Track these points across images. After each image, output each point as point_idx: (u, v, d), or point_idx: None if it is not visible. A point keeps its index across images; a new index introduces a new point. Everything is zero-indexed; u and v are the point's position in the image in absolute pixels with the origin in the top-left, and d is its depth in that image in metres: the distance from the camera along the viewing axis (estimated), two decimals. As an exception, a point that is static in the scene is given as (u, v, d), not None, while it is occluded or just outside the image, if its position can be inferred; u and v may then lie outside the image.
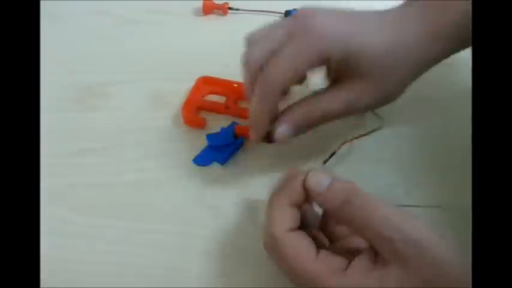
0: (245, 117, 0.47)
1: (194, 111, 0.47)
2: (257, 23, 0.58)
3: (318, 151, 0.45)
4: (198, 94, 0.48)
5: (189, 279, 0.36)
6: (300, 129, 0.39)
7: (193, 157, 0.43)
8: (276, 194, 0.33)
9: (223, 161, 0.43)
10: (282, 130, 0.38)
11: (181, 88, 0.49)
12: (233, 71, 0.50)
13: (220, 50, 0.55)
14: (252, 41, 0.39)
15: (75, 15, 0.58)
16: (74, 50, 0.54)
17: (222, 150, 0.43)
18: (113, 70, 0.52)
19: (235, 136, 0.44)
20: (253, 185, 0.42)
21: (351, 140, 0.42)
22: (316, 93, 0.39)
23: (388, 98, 0.39)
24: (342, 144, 0.42)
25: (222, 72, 0.50)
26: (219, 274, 0.37)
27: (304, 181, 0.33)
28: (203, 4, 0.58)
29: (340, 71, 0.37)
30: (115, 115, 0.47)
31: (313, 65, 0.36)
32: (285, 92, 0.38)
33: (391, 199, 0.41)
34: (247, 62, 0.38)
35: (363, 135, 0.42)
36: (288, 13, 0.58)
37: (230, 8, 0.59)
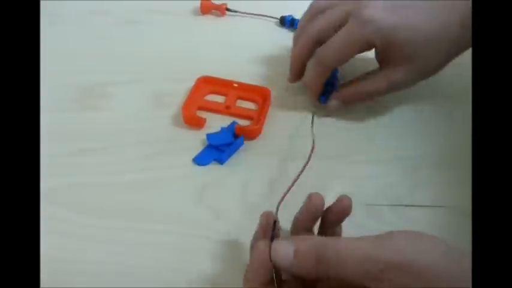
0: (245, 117, 0.47)
1: (194, 111, 0.47)
2: (257, 23, 0.58)
3: (318, 151, 0.45)
4: (198, 94, 0.48)
5: (189, 279, 0.36)
6: (349, 103, 0.46)
7: (193, 157, 0.43)
8: (247, 277, 0.31)
9: (223, 161, 0.43)
10: (334, 104, 0.46)
11: (181, 88, 0.49)
12: (233, 71, 0.50)
13: (220, 50, 0.55)
14: (314, 9, 0.47)
15: (75, 15, 0.58)
16: (74, 50, 0.54)
17: (222, 150, 0.43)
18: (113, 70, 0.52)
19: (235, 136, 0.44)
20: (253, 185, 0.42)
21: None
22: (365, 75, 0.45)
23: (426, 76, 0.44)
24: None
25: (222, 72, 0.50)
26: (219, 274, 0.37)
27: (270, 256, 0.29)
28: (201, 4, 0.58)
29: (386, 55, 0.43)
30: (115, 115, 0.47)
31: (361, 51, 0.43)
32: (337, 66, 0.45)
33: (394, 199, 0.41)
34: (305, 31, 0.45)
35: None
36: (282, 19, 0.58)
37: (228, 9, 0.59)
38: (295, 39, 0.48)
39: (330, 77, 0.45)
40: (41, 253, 0.31)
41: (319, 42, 0.44)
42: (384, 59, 0.44)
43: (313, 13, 0.46)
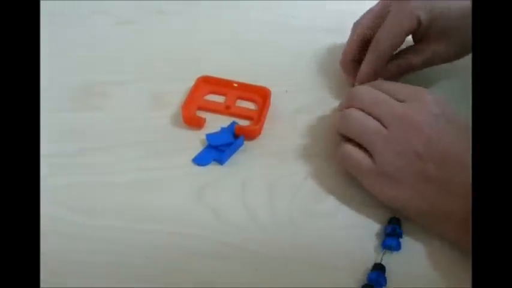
0: (245, 117, 0.47)
1: (194, 111, 0.47)
2: (257, 23, 0.58)
3: (318, 151, 0.45)
4: (197, 94, 0.48)
5: (189, 279, 0.36)
6: (371, 65, 0.47)
7: (193, 157, 0.43)
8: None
9: (223, 161, 0.43)
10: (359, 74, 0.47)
11: (181, 88, 0.49)
12: (233, 71, 0.50)
13: (220, 50, 0.55)
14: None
15: (75, 15, 0.58)
16: (73, 49, 0.54)
17: (222, 150, 0.43)
18: (113, 70, 0.52)
19: (235, 136, 0.44)
20: (253, 185, 0.42)
21: None
22: (408, 48, 0.48)
23: (464, 52, 0.47)
24: None
25: (222, 72, 0.50)
26: (219, 274, 0.37)
27: None
28: None
29: (427, 31, 0.45)
30: (115, 115, 0.47)
31: (410, 30, 0.45)
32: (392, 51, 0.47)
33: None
34: (357, 24, 0.48)
35: None
36: None
37: None
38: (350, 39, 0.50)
39: None
40: (41, 253, 0.31)
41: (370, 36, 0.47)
42: (425, 35, 0.46)
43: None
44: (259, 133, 0.46)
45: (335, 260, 0.37)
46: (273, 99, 0.48)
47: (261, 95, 0.49)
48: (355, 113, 0.40)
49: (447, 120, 0.37)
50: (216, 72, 0.50)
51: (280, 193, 0.42)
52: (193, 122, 0.46)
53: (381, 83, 0.42)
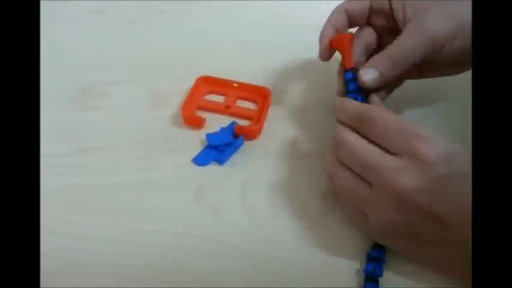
0: (245, 117, 0.47)
1: (194, 110, 0.47)
2: (257, 23, 0.58)
3: (318, 151, 0.45)
4: (197, 94, 0.48)
5: (189, 279, 0.36)
6: (386, 72, 0.40)
7: (193, 157, 0.43)
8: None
9: (223, 161, 0.43)
10: (367, 74, 0.40)
11: (181, 88, 0.49)
12: (233, 71, 0.50)
13: (220, 50, 0.55)
14: None
15: (75, 15, 0.58)
16: (74, 50, 0.54)
17: (222, 150, 0.43)
18: (113, 70, 0.52)
19: (235, 136, 0.44)
20: (253, 185, 0.42)
21: None
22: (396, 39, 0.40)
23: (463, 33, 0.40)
24: None
25: (221, 72, 0.50)
26: (218, 274, 0.37)
27: None
28: None
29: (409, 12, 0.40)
30: (115, 115, 0.47)
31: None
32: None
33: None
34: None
35: None
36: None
37: None
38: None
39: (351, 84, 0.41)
40: (41, 253, 0.31)
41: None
42: (412, 16, 0.40)
43: None
44: (259, 133, 0.46)
45: (335, 260, 0.37)
46: (273, 99, 0.48)
47: (261, 95, 0.49)
48: (342, 174, 0.35)
49: (451, 175, 0.32)
50: (216, 72, 0.50)
51: (280, 193, 0.42)
52: (193, 122, 0.46)
53: (372, 121, 0.35)
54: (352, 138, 0.35)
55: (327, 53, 0.43)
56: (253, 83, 0.49)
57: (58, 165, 0.43)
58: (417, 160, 0.32)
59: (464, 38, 0.39)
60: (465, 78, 0.41)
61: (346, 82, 0.41)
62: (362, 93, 0.40)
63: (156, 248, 0.38)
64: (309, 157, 0.44)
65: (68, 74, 0.51)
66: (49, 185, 0.40)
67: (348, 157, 0.35)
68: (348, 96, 0.40)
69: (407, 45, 0.39)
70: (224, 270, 0.37)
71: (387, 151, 0.33)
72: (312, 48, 0.48)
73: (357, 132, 0.35)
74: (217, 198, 0.41)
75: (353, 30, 0.44)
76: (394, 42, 0.40)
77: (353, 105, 0.37)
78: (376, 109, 0.36)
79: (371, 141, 0.34)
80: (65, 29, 0.56)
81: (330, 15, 0.43)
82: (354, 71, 0.41)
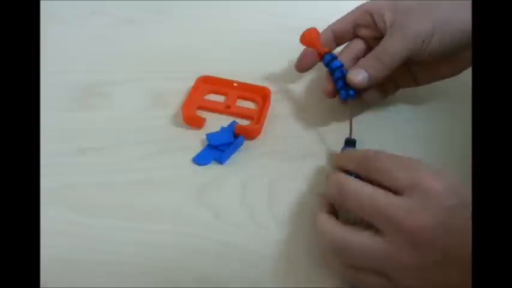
0: (245, 117, 0.47)
1: (194, 110, 0.47)
2: (258, 23, 0.58)
3: (318, 151, 0.45)
4: (198, 93, 0.48)
5: (189, 279, 0.36)
6: (375, 73, 0.42)
7: (193, 157, 0.43)
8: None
9: (223, 161, 0.43)
10: (357, 75, 0.42)
11: (181, 87, 0.49)
12: (233, 71, 0.50)
13: (220, 50, 0.55)
14: None
15: (75, 15, 0.58)
16: (74, 50, 0.54)
17: (222, 150, 0.43)
18: (113, 70, 0.52)
19: (235, 135, 0.44)
20: (253, 185, 0.42)
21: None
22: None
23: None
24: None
25: (222, 72, 0.50)
26: (219, 274, 0.37)
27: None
28: None
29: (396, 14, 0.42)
30: (115, 115, 0.47)
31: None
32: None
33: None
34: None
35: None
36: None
37: None
38: None
39: (337, 72, 0.43)
40: (41, 253, 0.31)
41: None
42: (392, 23, 0.42)
43: None
44: (259, 133, 0.46)
45: (335, 260, 0.37)
46: (273, 99, 0.48)
47: (261, 95, 0.49)
48: (354, 237, 0.33)
49: (460, 207, 0.31)
50: (216, 72, 0.50)
51: (280, 193, 0.42)
52: (193, 122, 0.46)
53: (376, 159, 0.35)
54: (357, 185, 0.34)
55: (301, 62, 0.47)
56: (253, 83, 0.49)
57: (58, 165, 0.43)
58: (427, 197, 0.31)
59: (442, 35, 0.41)
60: (465, 78, 0.41)
61: (328, 65, 0.44)
62: (344, 72, 0.43)
63: (156, 248, 0.38)
64: (309, 157, 0.44)
65: (68, 74, 0.51)
66: (49, 185, 0.40)
67: (354, 206, 0.34)
68: (336, 80, 0.43)
69: (390, 44, 0.41)
70: (224, 270, 0.37)
71: (394, 192, 0.32)
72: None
73: (358, 177, 0.35)
74: (217, 198, 0.41)
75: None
76: (379, 44, 0.42)
77: (354, 151, 0.40)
78: (377, 150, 0.36)
79: (375, 185, 0.33)
80: (65, 29, 0.56)
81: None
82: (330, 53, 0.44)
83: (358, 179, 0.35)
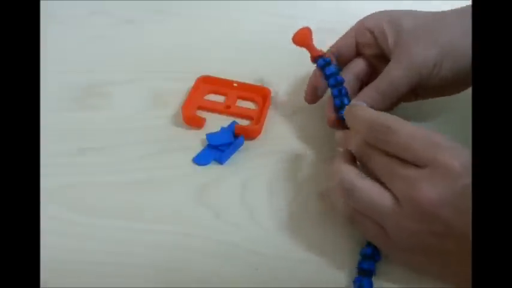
0: (245, 117, 0.47)
1: (194, 110, 0.47)
2: (258, 23, 0.58)
3: (318, 151, 0.45)
4: (198, 93, 0.48)
5: (189, 279, 0.36)
6: (375, 103, 0.40)
7: (193, 157, 0.43)
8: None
9: (223, 161, 0.43)
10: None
11: (181, 87, 0.49)
12: (233, 71, 0.50)
13: (220, 50, 0.55)
14: None
15: (75, 15, 0.58)
16: (74, 50, 0.54)
17: (222, 150, 0.43)
18: (113, 70, 0.52)
19: (235, 135, 0.44)
20: (253, 185, 0.42)
21: None
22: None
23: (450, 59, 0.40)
24: None
25: (222, 72, 0.50)
26: (219, 274, 0.37)
27: None
28: None
29: (397, 39, 0.41)
30: (115, 115, 0.47)
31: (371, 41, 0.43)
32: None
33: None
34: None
35: None
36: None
37: None
38: None
39: (340, 93, 0.42)
40: (41, 253, 0.31)
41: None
42: (397, 44, 0.41)
43: None
44: (259, 133, 0.46)
45: (335, 260, 0.37)
46: (273, 99, 0.48)
47: (261, 95, 0.49)
48: (363, 184, 0.34)
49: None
50: (216, 72, 0.50)
51: (280, 193, 0.42)
52: (193, 122, 0.46)
53: (393, 131, 0.33)
54: (373, 149, 0.34)
55: (311, 96, 0.45)
56: (253, 83, 0.49)
57: (58, 165, 0.43)
58: (441, 170, 0.31)
59: (453, 60, 0.39)
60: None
61: (322, 71, 0.42)
62: (339, 79, 0.42)
63: (156, 248, 0.38)
64: (309, 157, 0.44)
65: (68, 74, 0.51)
66: (49, 185, 0.40)
67: (370, 166, 0.35)
68: (331, 87, 0.42)
69: (393, 77, 0.40)
70: (224, 270, 0.37)
71: (410, 163, 0.32)
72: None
73: (374, 146, 0.34)
74: (217, 198, 0.41)
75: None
76: (382, 74, 0.41)
77: (367, 113, 0.36)
78: (393, 117, 0.34)
79: (390, 155, 0.33)
80: (65, 29, 0.56)
81: (309, 81, 0.45)
82: (324, 57, 0.43)
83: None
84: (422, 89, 0.42)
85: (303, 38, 0.43)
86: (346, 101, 0.41)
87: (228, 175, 0.43)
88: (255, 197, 0.41)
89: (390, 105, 0.42)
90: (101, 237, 0.38)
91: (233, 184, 0.42)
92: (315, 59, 0.43)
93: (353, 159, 0.37)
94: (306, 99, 0.45)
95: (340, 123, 0.41)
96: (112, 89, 0.50)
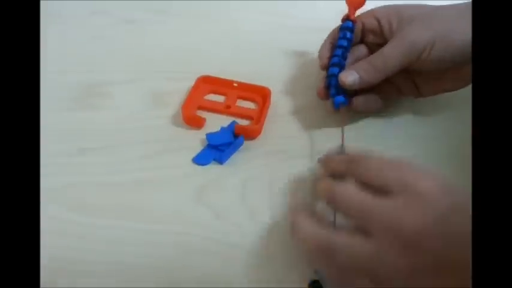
0: (245, 117, 0.47)
1: (194, 110, 0.47)
2: (258, 23, 0.58)
3: (318, 151, 0.45)
4: (198, 93, 0.48)
5: (189, 279, 0.36)
6: (367, 76, 0.42)
7: (193, 157, 0.43)
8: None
9: (223, 161, 0.43)
10: (348, 76, 0.42)
11: (181, 87, 0.49)
12: (233, 71, 0.50)
13: (220, 50, 0.55)
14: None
15: (75, 15, 0.58)
16: (74, 50, 0.54)
17: (222, 150, 0.43)
18: (113, 70, 0.52)
19: (235, 135, 0.44)
20: (253, 185, 0.42)
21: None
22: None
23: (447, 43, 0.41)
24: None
25: (222, 72, 0.50)
26: (219, 274, 0.37)
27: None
28: None
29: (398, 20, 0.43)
30: (115, 115, 0.47)
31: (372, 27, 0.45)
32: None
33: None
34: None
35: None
36: None
37: None
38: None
39: (332, 79, 0.44)
40: (41, 253, 0.31)
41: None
42: (396, 31, 0.43)
43: None
44: (259, 133, 0.46)
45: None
46: (273, 99, 0.48)
47: (261, 95, 0.49)
48: (341, 239, 0.31)
49: (453, 207, 0.30)
50: (216, 72, 0.50)
51: (280, 193, 0.42)
52: (193, 122, 0.46)
53: (365, 161, 0.33)
54: (345, 188, 0.32)
55: (325, 90, 0.45)
56: (253, 83, 0.49)
57: (58, 165, 0.43)
58: (417, 196, 0.30)
59: (444, 45, 0.41)
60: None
61: (342, 30, 0.45)
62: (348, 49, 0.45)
63: (156, 248, 0.38)
64: (309, 157, 0.44)
65: (68, 74, 0.51)
66: (49, 185, 0.40)
67: (343, 208, 0.32)
68: (329, 87, 0.44)
69: (386, 50, 0.42)
70: (224, 270, 0.37)
71: (383, 193, 0.31)
72: (312, 48, 0.49)
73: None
74: (217, 198, 0.41)
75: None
76: (378, 51, 0.43)
77: (342, 155, 0.37)
78: (365, 152, 0.35)
79: (364, 187, 0.32)
80: (65, 29, 0.56)
81: (329, 34, 0.47)
82: (353, 23, 0.45)
83: (345, 183, 0.33)
84: (417, 76, 0.45)
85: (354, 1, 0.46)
86: (342, 98, 0.43)
87: (228, 175, 0.43)
88: (255, 197, 0.41)
89: (380, 79, 0.43)
90: (100, 237, 0.38)
91: (233, 184, 0.42)
92: (345, 19, 0.46)
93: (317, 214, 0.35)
94: (319, 95, 0.46)
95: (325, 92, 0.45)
96: (112, 89, 0.50)
